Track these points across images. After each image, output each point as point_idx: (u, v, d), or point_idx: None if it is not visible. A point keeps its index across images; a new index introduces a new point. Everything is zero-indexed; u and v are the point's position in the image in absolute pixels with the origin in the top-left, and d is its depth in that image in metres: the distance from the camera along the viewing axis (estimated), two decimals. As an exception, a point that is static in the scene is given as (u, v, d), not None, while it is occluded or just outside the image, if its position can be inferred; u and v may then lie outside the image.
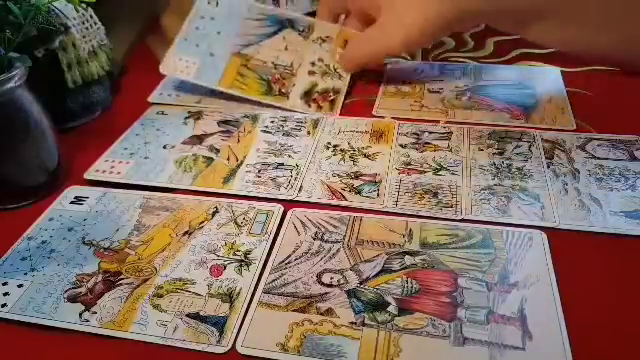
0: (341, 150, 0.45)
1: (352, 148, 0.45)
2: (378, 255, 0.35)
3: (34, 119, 0.40)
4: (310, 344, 0.30)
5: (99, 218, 0.39)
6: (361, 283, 0.33)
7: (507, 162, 0.43)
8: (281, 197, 0.40)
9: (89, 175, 0.43)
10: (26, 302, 0.33)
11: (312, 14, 0.62)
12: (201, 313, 0.32)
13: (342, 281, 0.33)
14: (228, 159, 0.44)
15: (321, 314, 0.31)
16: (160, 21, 0.60)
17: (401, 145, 0.45)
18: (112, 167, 0.44)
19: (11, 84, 0.38)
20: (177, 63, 0.52)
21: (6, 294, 0.34)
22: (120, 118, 0.50)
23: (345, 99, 0.52)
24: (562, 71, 0.54)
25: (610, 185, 0.40)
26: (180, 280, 0.34)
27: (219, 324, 0.31)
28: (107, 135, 0.47)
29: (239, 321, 0.31)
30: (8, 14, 0.37)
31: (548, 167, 0.42)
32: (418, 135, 0.46)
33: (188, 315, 0.32)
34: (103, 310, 0.32)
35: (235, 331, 0.31)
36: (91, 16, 0.48)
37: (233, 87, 0.51)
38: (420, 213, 0.38)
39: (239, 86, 0.51)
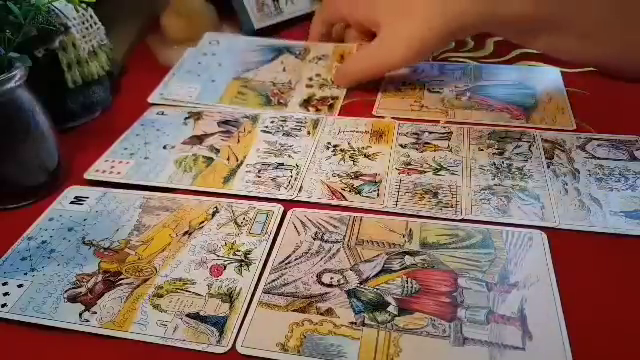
0: (341, 150, 0.45)
1: (352, 148, 0.45)
2: (378, 255, 0.35)
3: (34, 119, 0.40)
4: (310, 344, 0.30)
5: (99, 218, 0.39)
6: (361, 283, 0.33)
7: (507, 162, 0.43)
8: (281, 197, 0.40)
9: (89, 175, 0.43)
10: (26, 302, 0.33)
11: (312, 14, 0.62)
12: (201, 313, 0.32)
13: (342, 281, 0.33)
14: (228, 159, 0.44)
15: (321, 314, 0.31)
16: (160, 21, 0.60)
17: (401, 145, 0.45)
18: (112, 167, 0.44)
19: (11, 84, 0.38)
20: (179, 90, 0.53)
21: (6, 294, 0.34)
22: (120, 118, 0.50)
23: (344, 101, 0.52)
24: (562, 71, 0.54)
25: (610, 185, 0.40)
26: (180, 280, 0.34)
27: (219, 324, 0.31)
28: (107, 135, 0.47)
29: (239, 321, 0.31)
30: (8, 14, 0.37)
31: (548, 167, 0.42)
32: (418, 135, 0.46)
33: (188, 315, 0.32)
34: (103, 310, 0.32)
35: (235, 331, 0.31)
36: (91, 16, 0.48)
37: (233, 103, 0.51)
38: (420, 213, 0.38)
39: (239, 102, 0.51)
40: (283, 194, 0.41)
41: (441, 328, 0.30)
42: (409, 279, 0.33)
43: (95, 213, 0.40)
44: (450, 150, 0.44)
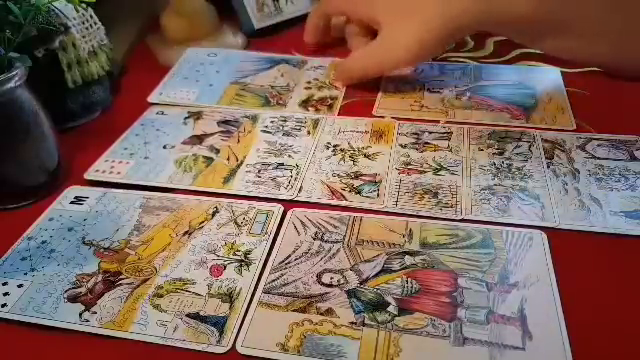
0: (341, 150, 0.45)
1: (352, 148, 0.45)
2: (378, 255, 0.35)
3: (34, 119, 0.40)
4: (310, 344, 0.30)
5: (99, 218, 0.39)
6: (361, 283, 0.33)
7: (507, 162, 0.43)
8: (281, 197, 0.40)
9: (89, 175, 0.43)
10: (26, 302, 0.33)
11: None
12: (201, 313, 0.32)
13: (342, 281, 0.33)
14: (228, 159, 0.44)
15: (321, 314, 0.31)
16: (160, 21, 0.60)
17: (401, 145, 0.45)
18: (112, 167, 0.44)
19: (11, 84, 0.38)
20: (177, 94, 0.53)
21: (6, 294, 0.34)
22: (120, 118, 0.50)
23: (344, 101, 0.52)
24: (562, 71, 0.54)
25: (610, 185, 0.40)
26: (180, 280, 0.34)
27: (219, 324, 0.31)
28: (107, 135, 0.47)
29: (239, 321, 0.31)
30: (8, 14, 0.37)
31: (548, 167, 0.42)
32: (418, 135, 0.46)
33: (188, 315, 0.32)
34: (103, 310, 0.32)
35: (235, 331, 0.31)
36: (91, 16, 0.48)
37: (232, 105, 0.51)
38: (420, 213, 0.38)
39: (237, 103, 0.51)
40: (283, 194, 0.41)
41: (441, 328, 0.30)
42: (409, 279, 0.33)
43: (95, 213, 0.40)
44: (450, 150, 0.44)
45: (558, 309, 0.31)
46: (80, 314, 0.32)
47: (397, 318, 0.31)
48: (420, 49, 0.48)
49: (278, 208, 0.39)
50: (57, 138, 0.42)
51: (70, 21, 0.46)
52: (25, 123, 0.39)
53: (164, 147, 0.46)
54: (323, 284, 0.33)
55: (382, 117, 0.49)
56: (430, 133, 0.46)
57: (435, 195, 0.40)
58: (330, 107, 0.51)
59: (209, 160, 0.44)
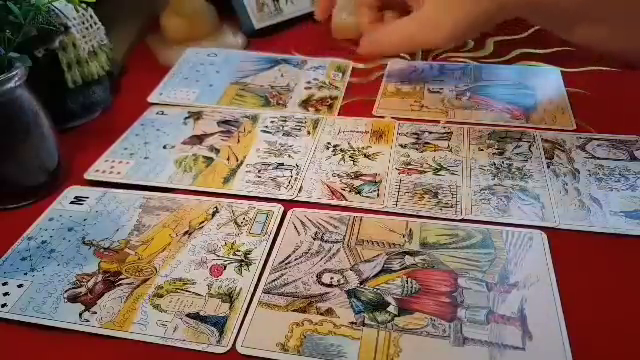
0: (341, 150, 0.45)
1: (352, 148, 0.45)
2: (378, 255, 0.35)
3: (34, 119, 0.40)
4: (310, 344, 0.30)
5: (99, 218, 0.39)
6: (361, 283, 0.33)
7: (507, 162, 0.43)
8: (281, 197, 0.40)
9: (89, 175, 0.43)
10: (26, 302, 0.33)
11: (312, 14, 0.62)
12: (201, 313, 0.32)
13: (342, 281, 0.33)
14: (228, 159, 0.44)
15: (321, 314, 0.31)
16: (160, 21, 0.60)
17: (401, 145, 0.45)
18: (112, 167, 0.44)
19: (11, 84, 0.38)
20: (177, 94, 0.53)
21: (6, 294, 0.34)
22: (120, 118, 0.50)
23: (344, 101, 0.52)
24: (562, 71, 0.54)
25: (610, 185, 0.40)
26: (180, 280, 0.34)
27: (219, 324, 0.31)
28: (107, 135, 0.47)
29: (239, 321, 0.31)
30: (8, 14, 0.37)
31: (548, 167, 0.42)
32: (418, 135, 0.46)
33: (188, 315, 0.32)
34: (103, 310, 0.32)
35: (235, 331, 0.31)
36: (91, 16, 0.48)
37: (232, 104, 0.51)
38: (420, 213, 0.38)
39: (237, 103, 0.51)
40: (283, 194, 0.41)
41: (441, 328, 0.30)
42: (409, 279, 0.33)
43: (95, 213, 0.40)
44: (450, 150, 0.44)
45: (558, 309, 0.31)
46: (80, 314, 0.32)
47: (397, 318, 0.31)
48: (467, 28, 0.46)
49: (278, 208, 0.39)
50: (57, 138, 0.42)
51: (70, 21, 0.46)
52: (25, 123, 0.39)
53: (164, 147, 0.46)
54: (323, 284, 0.33)
55: (382, 117, 0.49)
56: (430, 133, 0.46)
57: (435, 195, 0.40)
58: (330, 107, 0.51)
59: (209, 160, 0.44)
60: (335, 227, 0.37)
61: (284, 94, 0.52)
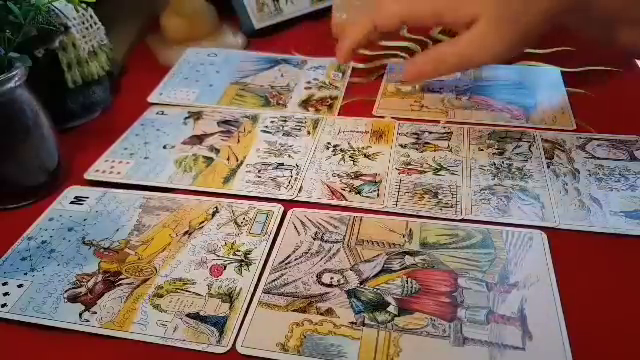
0: (341, 150, 0.45)
1: (352, 148, 0.45)
2: (378, 255, 0.35)
3: (34, 119, 0.40)
4: (310, 344, 0.30)
5: (99, 218, 0.39)
6: (361, 283, 0.33)
7: (507, 162, 0.43)
8: (281, 197, 0.40)
9: (89, 175, 0.43)
10: (26, 302, 0.33)
11: (312, 14, 0.62)
12: (201, 313, 0.32)
13: (342, 281, 0.33)
14: (228, 159, 0.44)
15: (321, 314, 0.31)
16: (160, 21, 0.60)
17: (401, 145, 0.45)
18: (112, 167, 0.44)
19: (11, 84, 0.38)
20: (177, 94, 0.53)
21: (6, 294, 0.34)
22: (120, 118, 0.50)
23: (344, 101, 0.52)
24: (562, 71, 0.54)
25: (610, 185, 0.40)
26: (180, 280, 0.34)
27: (219, 324, 0.31)
28: (107, 135, 0.47)
29: (239, 321, 0.31)
30: (8, 14, 0.37)
31: (548, 167, 0.42)
32: (418, 135, 0.46)
33: (188, 315, 0.32)
34: (103, 310, 0.32)
35: (235, 331, 0.31)
36: (91, 16, 0.48)
37: (232, 104, 0.51)
38: (420, 213, 0.38)
39: (237, 103, 0.51)
40: (283, 194, 0.41)
41: (441, 328, 0.30)
42: (409, 279, 0.33)
43: (95, 213, 0.40)
44: (450, 150, 0.44)
45: (558, 309, 0.31)
46: (80, 314, 0.32)
47: (397, 318, 0.31)
48: (514, 44, 0.44)
49: (278, 208, 0.39)
50: (57, 138, 0.42)
51: (70, 21, 0.46)
52: (25, 123, 0.39)
53: (164, 147, 0.46)
54: (323, 284, 0.33)
55: (382, 117, 0.49)
56: (430, 133, 0.46)
57: (435, 195, 0.40)
58: (330, 107, 0.51)
59: (209, 160, 0.44)
60: (335, 227, 0.37)
61: (284, 94, 0.53)
